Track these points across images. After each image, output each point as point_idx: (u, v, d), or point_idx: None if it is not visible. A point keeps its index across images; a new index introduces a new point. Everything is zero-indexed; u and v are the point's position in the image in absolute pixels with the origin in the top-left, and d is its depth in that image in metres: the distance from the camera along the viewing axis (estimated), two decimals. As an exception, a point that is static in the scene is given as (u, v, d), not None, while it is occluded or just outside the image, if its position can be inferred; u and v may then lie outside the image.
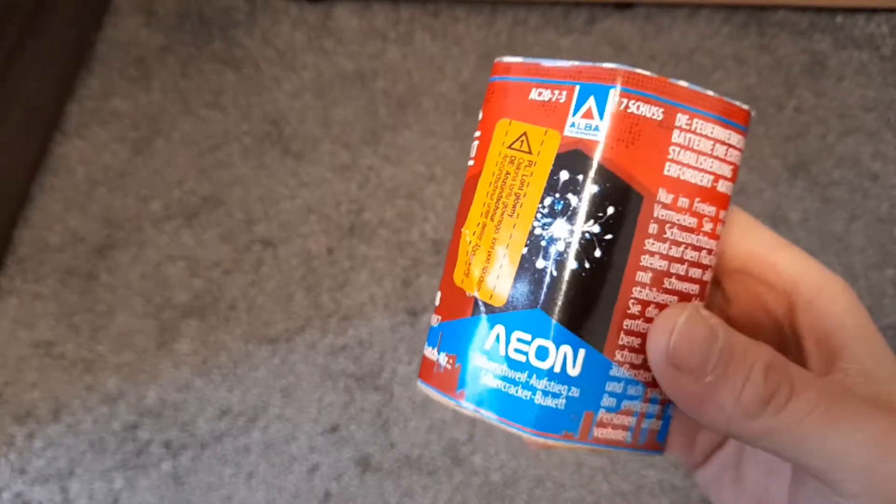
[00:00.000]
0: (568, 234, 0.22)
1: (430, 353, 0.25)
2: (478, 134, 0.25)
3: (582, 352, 0.22)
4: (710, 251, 0.23)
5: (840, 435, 0.19)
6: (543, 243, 0.23)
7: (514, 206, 0.23)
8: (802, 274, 0.23)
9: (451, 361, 0.24)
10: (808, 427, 0.19)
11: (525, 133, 0.23)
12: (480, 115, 0.25)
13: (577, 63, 0.23)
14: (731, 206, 0.24)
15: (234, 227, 0.96)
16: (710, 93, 0.23)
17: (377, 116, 1.03)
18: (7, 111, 0.92)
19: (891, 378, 0.21)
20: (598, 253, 0.22)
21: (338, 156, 1.01)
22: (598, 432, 0.23)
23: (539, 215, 0.23)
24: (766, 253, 0.24)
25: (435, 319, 0.25)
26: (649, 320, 0.22)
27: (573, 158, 0.22)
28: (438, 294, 0.26)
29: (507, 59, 0.24)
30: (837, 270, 0.90)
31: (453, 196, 0.97)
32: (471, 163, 0.25)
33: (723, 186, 0.23)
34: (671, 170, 0.22)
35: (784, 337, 0.24)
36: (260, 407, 0.86)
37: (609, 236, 0.22)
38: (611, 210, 0.22)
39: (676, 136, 0.22)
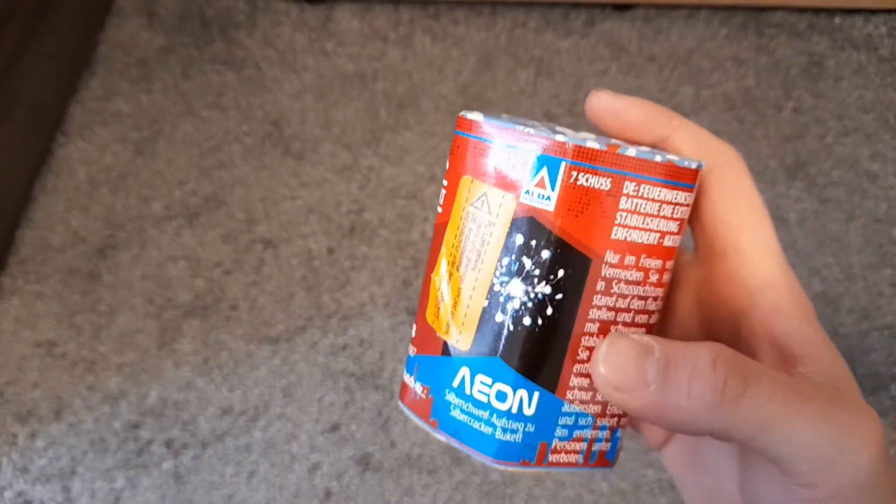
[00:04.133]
0: (523, 294, 0.24)
1: (409, 379, 0.28)
2: (445, 183, 0.27)
3: (536, 394, 0.25)
4: (655, 298, 0.26)
5: (804, 426, 0.20)
6: (502, 299, 0.25)
7: (476, 262, 0.25)
8: (772, 278, 0.24)
9: (425, 392, 0.27)
10: (772, 415, 0.20)
11: (486, 193, 0.25)
12: (448, 165, 0.27)
13: (533, 132, 0.24)
14: (726, 161, 0.26)
15: (235, 228, 0.97)
16: (658, 158, 0.24)
17: (377, 117, 1.03)
18: (10, 112, 0.92)
19: (848, 380, 0.22)
20: (549, 311, 0.24)
21: (338, 156, 1.01)
22: (553, 458, 0.26)
23: (497, 273, 0.25)
24: (745, 247, 0.24)
25: (412, 350, 0.28)
26: None
27: (527, 224, 0.24)
28: (414, 326, 0.28)
29: (471, 115, 0.26)
30: (835, 270, 0.90)
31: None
32: (440, 209, 0.27)
33: (669, 241, 0.25)
34: (618, 233, 0.24)
35: (738, 335, 0.24)
36: (261, 406, 0.86)
37: (560, 296, 0.24)
38: (561, 273, 0.24)
39: (624, 203, 0.24)
